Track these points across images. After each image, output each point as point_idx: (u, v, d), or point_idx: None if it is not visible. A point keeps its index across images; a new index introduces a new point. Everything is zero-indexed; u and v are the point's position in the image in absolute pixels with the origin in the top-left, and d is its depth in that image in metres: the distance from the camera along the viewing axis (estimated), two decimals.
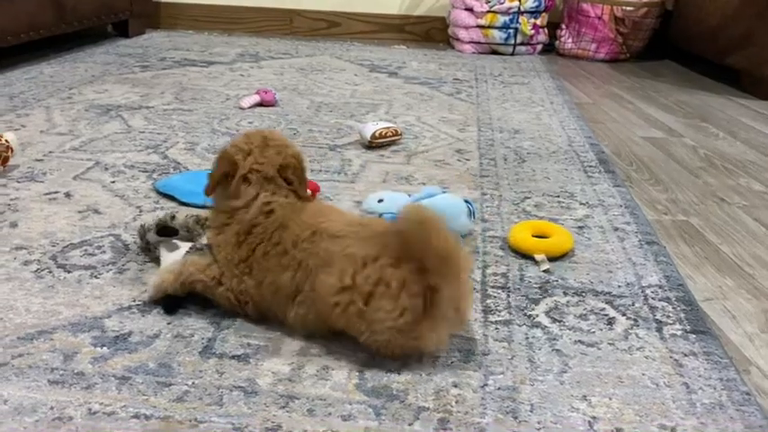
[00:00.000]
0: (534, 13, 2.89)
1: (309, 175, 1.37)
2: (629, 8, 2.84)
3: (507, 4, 2.84)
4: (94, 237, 1.09)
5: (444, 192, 1.15)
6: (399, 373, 0.79)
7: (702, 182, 1.52)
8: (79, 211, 1.18)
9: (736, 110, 2.20)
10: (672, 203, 1.39)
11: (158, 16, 3.21)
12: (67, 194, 1.25)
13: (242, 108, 1.86)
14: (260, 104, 1.90)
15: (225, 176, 0.88)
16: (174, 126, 1.69)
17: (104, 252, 1.04)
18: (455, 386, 0.77)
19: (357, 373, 0.79)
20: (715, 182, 1.52)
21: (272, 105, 1.91)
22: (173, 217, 1.00)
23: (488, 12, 2.86)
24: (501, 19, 2.86)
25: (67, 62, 2.33)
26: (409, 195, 1.16)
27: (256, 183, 0.87)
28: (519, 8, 2.85)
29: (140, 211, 1.19)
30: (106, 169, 1.38)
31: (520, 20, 2.86)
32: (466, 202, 1.13)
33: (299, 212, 0.87)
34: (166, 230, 0.99)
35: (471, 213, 1.13)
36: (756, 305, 1.01)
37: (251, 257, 0.85)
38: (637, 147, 1.76)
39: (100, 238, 1.08)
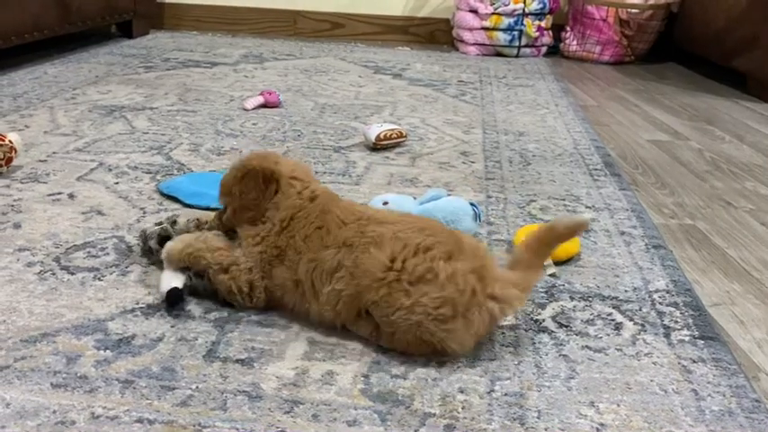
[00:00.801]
0: (539, 15, 2.88)
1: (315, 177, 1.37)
2: (634, 10, 2.84)
3: (512, 6, 2.83)
4: (98, 238, 1.08)
5: (449, 194, 1.15)
6: (405, 378, 0.79)
7: (709, 185, 1.51)
8: (83, 213, 1.17)
9: (742, 113, 2.19)
10: (678, 207, 1.38)
11: (162, 17, 3.21)
12: (71, 195, 1.24)
13: (246, 109, 1.86)
14: (264, 106, 1.89)
15: (264, 184, 0.90)
16: (178, 127, 1.68)
17: (108, 254, 1.03)
18: (461, 392, 0.77)
19: (362, 378, 0.78)
20: (721, 185, 1.51)
21: (276, 107, 1.90)
22: (174, 222, 0.99)
23: (493, 14, 2.86)
24: (505, 21, 2.86)
25: (71, 62, 2.33)
26: (414, 198, 1.15)
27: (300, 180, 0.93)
28: (524, 10, 2.84)
29: (144, 213, 1.18)
30: (110, 170, 1.37)
31: (524, 22, 2.85)
32: (471, 204, 1.12)
33: (336, 200, 0.92)
34: (168, 240, 0.98)
35: (477, 216, 1.12)
36: (765, 310, 1.00)
37: (289, 244, 0.87)
38: (642, 150, 1.75)
39: (103, 240, 1.08)
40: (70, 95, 1.91)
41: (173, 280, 0.89)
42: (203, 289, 0.91)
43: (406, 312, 0.79)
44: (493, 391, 0.77)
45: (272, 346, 0.83)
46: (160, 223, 0.99)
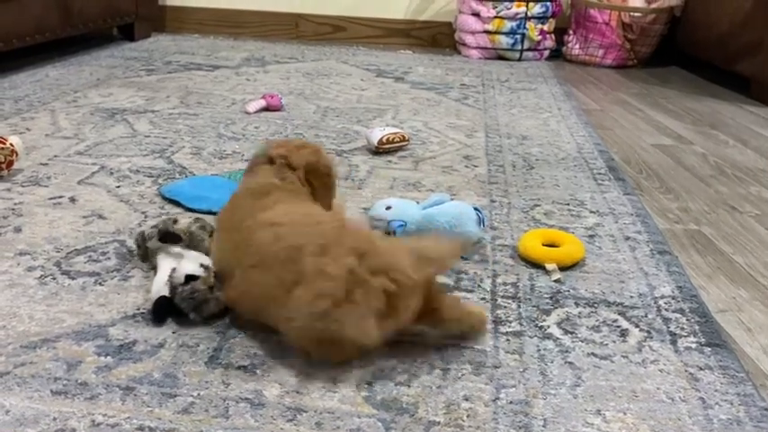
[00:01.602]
0: (541, 18, 2.87)
1: None
2: (636, 14, 2.83)
3: (514, 10, 2.83)
4: (99, 243, 1.08)
5: (452, 199, 1.14)
6: (409, 386, 0.78)
7: (714, 190, 1.50)
8: (84, 217, 1.17)
9: (745, 117, 2.18)
10: (683, 212, 1.37)
11: (164, 20, 3.20)
12: (72, 199, 1.23)
13: (248, 113, 1.85)
14: (266, 109, 1.89)
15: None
16: (180, 130, 1.67)
17: (109, 258, 1.03)
18: (466, 399, 0.76)
19: (366, 386, 0.77)
20: (726, 190, 1.51)
21: (279, 110, 1.90)
22: (174, 221, 0.98)
23: (495, 17, 2.85)
24: (508, 24, 2.85)
25: (73, 65, 2.33)
26: (418, 203, 1.14)
27: (278, 168, 0.95)
28: (526, 14, 2.84)
29: (145, 217, 1.18)
30: (111, 174, 1.37)
31: (527, 25, 2.85)
32: (475, 209, 1.11)
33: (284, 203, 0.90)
34: (169, 236, 0.98)
35: (481, 221, 1.11)
36: None
37: None
38: (646, 154, 1.74)
39: (104, 244, 1.07)
40: (71, 98, 1.91)
41: (164, 288, 0.87)
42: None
43: (288, 321, 0.78)
44: (498, 398, 0.76)
45: (274, 353, 0.82)
46: (157, 226, 0.98)
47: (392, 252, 0.79)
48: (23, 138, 1.51)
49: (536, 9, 2.85)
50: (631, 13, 2.83)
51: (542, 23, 2.88)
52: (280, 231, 0.83)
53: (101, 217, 1.17)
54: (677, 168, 1.64)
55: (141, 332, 0.85)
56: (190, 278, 0.84)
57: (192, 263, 0.87)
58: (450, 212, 1.08)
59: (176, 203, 1.23)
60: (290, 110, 1.92)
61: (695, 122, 2.09)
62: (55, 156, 1.45)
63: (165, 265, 0.91)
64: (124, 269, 1.00)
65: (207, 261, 0.89)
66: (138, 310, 0.89)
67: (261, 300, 0.81)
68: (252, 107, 1.86)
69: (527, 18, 2.85)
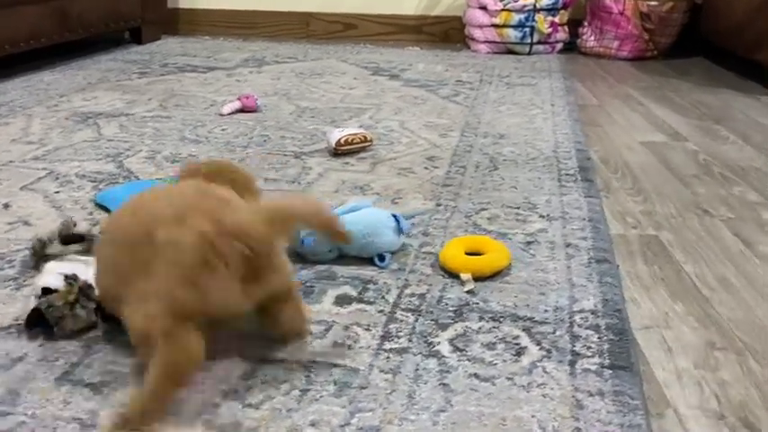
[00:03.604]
0: (551, 10, 2.76)
1: (265, 184, 1.34)
2: (653, 3, 2.68)
3: (522, 2, 2.72)
4: (11, 250, 1.07)
5: (371, 206, 1.08)
6: (258, 408, 0.73)
7: (690, 192, 1.39)
8: (9, 223, 1.16)
9: (758, 111, 2.03)
10: (645, 216, 1.27)
11: (177, 22, 3.23)
12: (6, 205, 1.23)
13: (222, 115, 1.83)
14: (241, 110, 1.86)
15: None
16: (145, 134, 1.67)
17: (13, 267, 1.01)
18: (312, 425, 0.70)
19: (211, 407, 0.73)
20: (704, 191, 1.39)
21: (254, 111, 1.87)
22: (74, 224, 0.96)
23: (503, 10, 2.75)
24: (516, 17, 2.75)
25: (70, 70, 2.36)
26: (334, 208, 1.09)
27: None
28: (534, 5, 2.73)
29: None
30: (56, 179, 1.36)
31: (536, 18, 2.74)
32: (393, 216, 1.05)
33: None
34: (72, 238, 0.95)
35: (399, 229, 1.05)
36: (701, 335, 0.89)
37: None
38: (630, 152, 1.63)
39: (15, 252, 1.06)
40: (54, 103, 1.93)
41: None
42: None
43: (137, 304, 0.71)
44: (348, 424, 0.71)
45: (134, 368, 0.79)
46: (55, 231, 0.96)
47: (249, 213, 0.74)
48: None
49: (545, 1, 2.73)
50: (648, 2, 2.69)
51: (553, 15, 2.77)
52: (137, 204, 0.78)
53: (26, 223, 1.16)
54: (659, 168, 1.53)
55: (8, 344, 0.83)
56: (46, 291, 0.82)
57: (53, 275, 0.84)
58: (363, 221, 1.02)
59: (106, 210, 1.22)
60: (266, 111, 1.89)
61: (700, 117, 1.95)
62: (10, 161, 1.46)
63: (47, 272, 0.89)
64: (21, 278, 0.98)
65: (83, 273, 0.87)
66: (16, 320, 0.87)
67: (118, 285, 0.74)
68: (226, 109, 1.84)
69: (536, 10, 2.74)
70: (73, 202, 1.26)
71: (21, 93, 2.04)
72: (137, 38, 2.88)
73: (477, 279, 0.98)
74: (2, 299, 0.93)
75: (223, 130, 1.72)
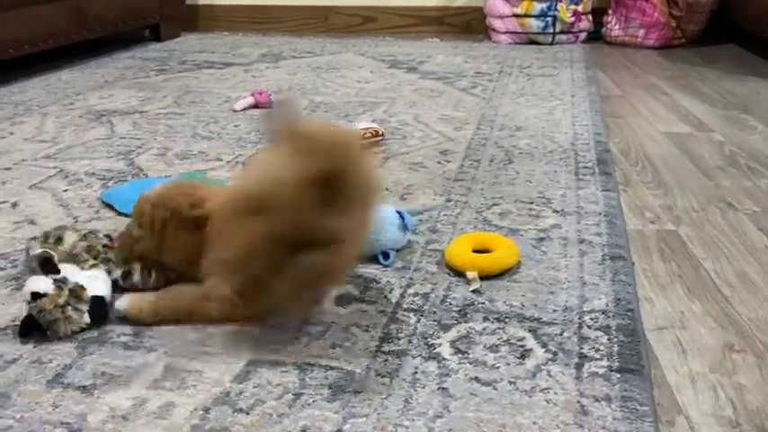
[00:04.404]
0: None
1: None
2: None
3: None
4: (15, 249, 1.06)
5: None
6: (249, 413, 0.70)
7: (714, 184, 1.33)
8: (15, 222, 1.16)
9: None
10: (665, 210, 1.21)
11: (196, 19, 3.23)
12: (14, 204, 1.23)
13: (235, 111, 1.82)
14: (255, 106, 1.85)
15: None
16: (158, 131, 1.66)
17: (16, 266, 1.01)
18: (303, 431, 0.68)
19: (201, 412, 0.71)
20: (729, 184, 1.33)
21: (267, 107, 1.85)
22: (59, 239, 0.93)
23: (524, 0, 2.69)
24: (537, 6, 2.69)
25: (89, 68, 2.37)
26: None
27: None
28: None
29: (76, 221, 1.16)
30: (66, 177, 1.36)
31: (558, 6, 2.67)
32: (398, 213, 1.02)
33: None
34: (49, 266, 0.91)
35: (404, 226, 1.02)
36: (718, 337, 0.84)
37: None
38: (652, 144, 1.57)
39: (20, 251, 1.05)
40: (70, 101, 1.94)
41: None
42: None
43: None
44: (340, 430, 0.68)
45: (125, 372, 0.77)
46: (47, 238, 0.94)
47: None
48: (3, 142, 1.54)
49: None
50: None
51: (576, 4, 2.70)
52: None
53: (32, 222, 1.16)
54: (682, 160, 1.47)
55: (4, 346, 0.82)
56: (36, 296, 0.80)
57: (41, 280, 0.83)
58: None
59: (112, 208, 1.21)
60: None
61: (726, 106, 1.88)
62: (22, 160, 1.47)
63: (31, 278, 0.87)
64: (23, 278, 0.97)
65: (75, 278, 0.85)
66: (13, 321, 0.87)
67: None
68: (239, 105, 1.83)
69: None
70: (80, 200, 1.25)
71: (39, 92, 2.05)
72: (156, 35, 2.88)
73: (484, 277, 0.95)
74: (1, 299, 0.92)
75: (236, 126, 1.70)
